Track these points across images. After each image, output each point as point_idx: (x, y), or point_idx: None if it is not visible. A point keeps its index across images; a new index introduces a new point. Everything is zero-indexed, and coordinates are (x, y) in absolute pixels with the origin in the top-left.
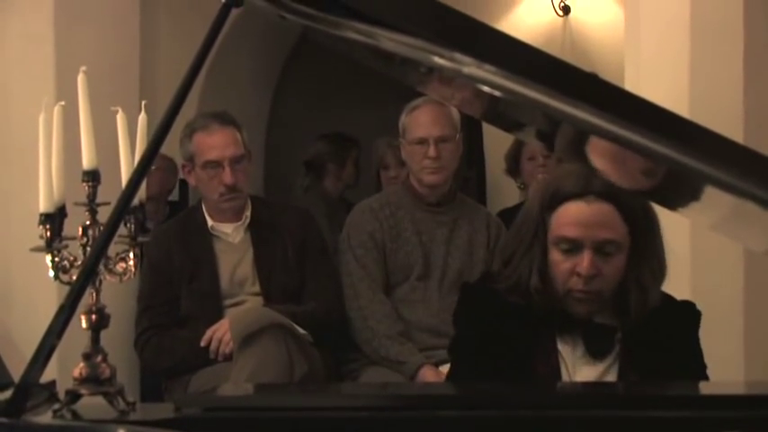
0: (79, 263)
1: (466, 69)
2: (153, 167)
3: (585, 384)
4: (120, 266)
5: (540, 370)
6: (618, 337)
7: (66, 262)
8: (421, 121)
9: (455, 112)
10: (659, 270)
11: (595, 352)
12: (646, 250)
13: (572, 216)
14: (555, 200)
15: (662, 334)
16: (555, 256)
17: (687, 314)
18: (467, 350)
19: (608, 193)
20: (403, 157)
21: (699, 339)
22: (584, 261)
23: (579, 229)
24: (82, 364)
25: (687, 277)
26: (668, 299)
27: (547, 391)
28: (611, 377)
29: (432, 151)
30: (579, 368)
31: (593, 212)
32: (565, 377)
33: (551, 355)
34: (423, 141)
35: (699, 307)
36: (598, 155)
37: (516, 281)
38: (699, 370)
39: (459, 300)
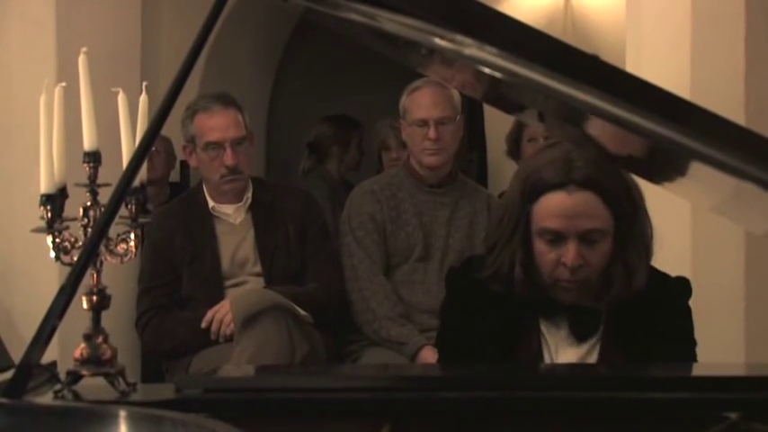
0: (80, 244)
1: (467, 51)
2: (155, 150)
3: (586, 366)
4: (121, 248)
5: (523, 353)
6: (602, 318)
7: (67, 243)
8: (421, 103)
9: (456, 94)
10: (645, 252)
11: (579, 334)
12: (631, 233)
13: (554, 207)
14: (536, 190)
15: (647, 310)
16: (539, 246)
17: (675, 289)
18: (451, 341)
19: (589, 180)
20: (403, 138)
21: (689, 315)
22: (570, 252)
23: (562, 221)
24: (83, 345)
25: (688, 262)
26: (660, 276)
27: (548, 372)
28: (593, 358)
29: (432, 133)
30: (563, 350)
31: (576, 202)
32: (547, 359)
33: (533, 338)
34: (423, 123)
35: (694, 286)
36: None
37: (497, 270)
38: (685, 346)
39: (445, 288)
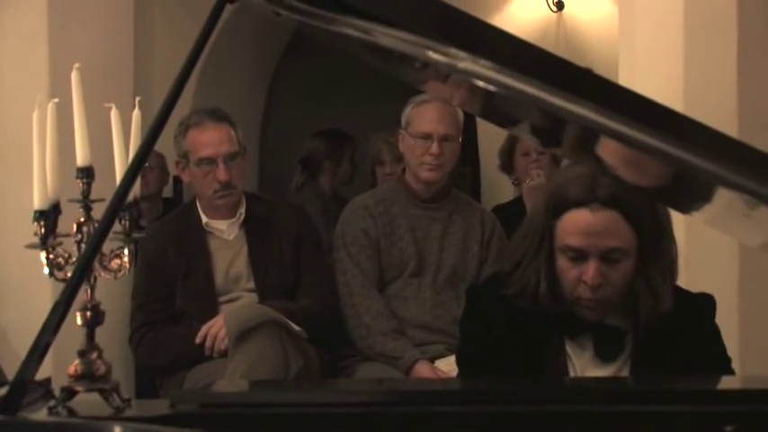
0: (74, 260)
1: (461, 64)
2: (148, 166)
3: (581, 380)
4: (115, 263)
5: (549, 372)
6: (629, 338)
7: (60, 259)
8: (428, 117)
9: (460, 115)
10: (670, 273)
11: (604, 354)
12: (655, 254)
13: (577, 225)
14: (560, 207)
15: (675, 330)
16: (562, 263)
17: (701, 307)
18: (474, 358)
19: (613, 199)
20: (401, 149)
21: (718, 331)
22: (590, 270)
23: (584, 239)
24: (77, 361)
25: (681, 273)
26: (682, 293)
27: (542, 386)
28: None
29: (435, 148)
30: (589, 371)
31: (598, 221)
32: None
33: (559, 358)
34: (427, 137)
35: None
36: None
37: (524, 286)
38: (720, 362)
39: (466, 304)
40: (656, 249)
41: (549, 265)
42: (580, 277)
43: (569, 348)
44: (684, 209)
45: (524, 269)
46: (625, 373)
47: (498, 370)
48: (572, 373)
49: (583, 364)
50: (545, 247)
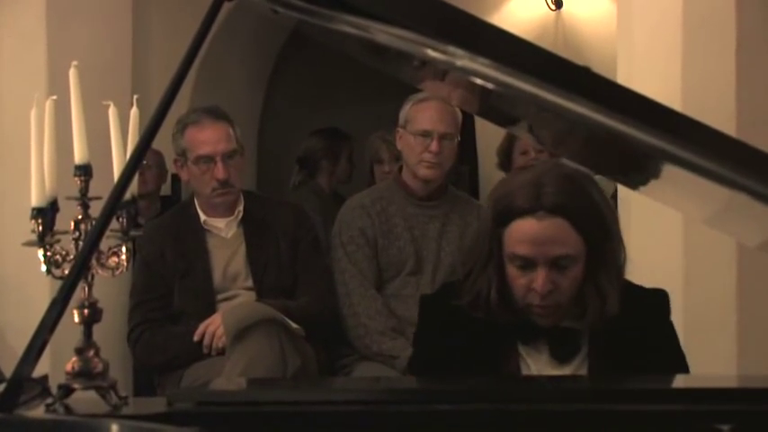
0: (71, 257)
1: (459, 62)
2: (146, 164)
3: (579, 379)
4: (113, 261)
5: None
6: (584, 338)
7: (58, 256)
8: (427, 115)
9: (458, 114)
10: (617, 276)
11: (561, 356)
12: (603, 258)
13: (523, 234)
14: (506, 216)
15: (629, 327)
16: (511, 271)
17: (655, 302)
18: (427, 367)
19: (559, 206)
20: (399, 146)
21: (672, 326)
22: (539, 279)
23: (531, 247)
24: (74, 359)
25: (680, 274)
26: (635, 289)
27: (541, 385)
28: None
29: (434, 146)
30: (545, 374)
31: (545, 229)
32: None
33: (512, 363)
34: (426, 134)
35: (686, 298)
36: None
37: (476, 295)
38: (675, 358)
39: (419, 314)
40: (603, 253)
41: (499, 273)
42: (529, 285)
43: (524, 352)
44: (681, 206)
45: (475, 278)
46: (582, 373)
47: (450, 373)
48: None
49: (540, 368)
50: (494, 256)
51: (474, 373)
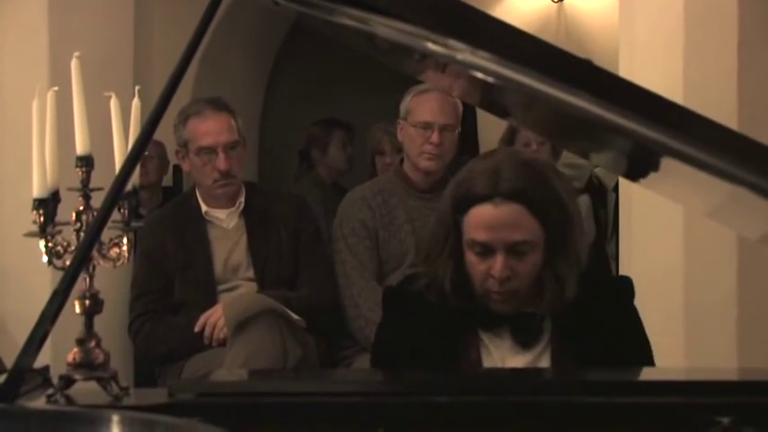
0: (73, 248)
1: (459, 56)
2: (148, 155)
3: (580, 371)
4: (114, 252)
5: (462, 363)
6: (547, 324)
7: (59, 247)
8: (428, 106)
9: (459, 105)
10: (576, 262)
11: (523, 342)
12: (562, 245)
13: (481, 220)
14: (465, 202)
15: (592, 313)
16: (470, 257)
17: (618, 290)
18: (388, 358)
19: (516, 192)
20: (399, 138)
21: (636, 312)
22: (497, 264)
23: (489, 233)
24: (75, 350)
25: (681, 267)
26: (599, 276)
27: (541, 377)
28: (544, 364)
29: (435, 137)
30: (508, 359)
31: (502, 215)
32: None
33: (472, 350)
34: (427, 126)
35: (686, 291)
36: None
37: (432, 281)
38: (638, 344)
39: (382, 305)
40: (563, 240)
41: (456, 260)
42: (488, 271)
43: (486, 339)
44: (683, 200)
45: (431, 264)
46: (545, 358)
47: (410, 365)
48: (487, 364)
49: (502, 354)
50: (451, 243)
51: (435, 361)
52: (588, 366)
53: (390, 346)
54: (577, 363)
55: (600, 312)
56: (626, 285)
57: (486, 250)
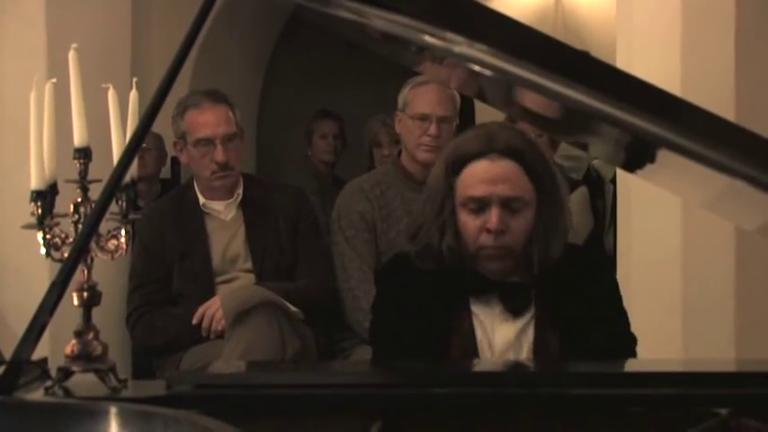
0: (71, 240)
1: (457, 48)
2: (146, 147)
3: (578, 363)
4: (112, 244)
5: (455, 335)
6: (533, 293)
7: (57, 239)
8: (426, 98)
9: (457, 97)
10: (563, 224)
11: (513, 309)
12: (551, 208)
13: (477, 175)
14: (459, 162)
15: (575, 284)
16: (463, 216)
17: (600, 262)
18: (382, 334)
19: (511, 149)
20: (397, 130)
21: (616, 286)
22: (492, 217)
23: (485, 187)
24: (74, 342)
25: (679, 258)
26: (581, 250)
27: (539, 369)
28: (530, 333)
29: (433, 129)
30: (497, 326)
31: (498, 169)
32: (480, 338)
33: (464, 319)
34: (425, 118)
35: (685, 282)
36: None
37: (427, 245)
38: (616, 316)
39: (375, 285)
40: (552, 203)
41: (451, 222)
42: (482, 226)
43: (476, 308)
44: (681, 191)
45: (426, 230)
46: (531, 327)
47: (407, 342)
48: (479, 332)
49: (491, 321)
50: (447, 206)
51: (429, 333)
52: (569, 336)
53: (385, 321)
54: (560, 332)
55: (582, 283)
56: (607, 258)
57: (480, 206)
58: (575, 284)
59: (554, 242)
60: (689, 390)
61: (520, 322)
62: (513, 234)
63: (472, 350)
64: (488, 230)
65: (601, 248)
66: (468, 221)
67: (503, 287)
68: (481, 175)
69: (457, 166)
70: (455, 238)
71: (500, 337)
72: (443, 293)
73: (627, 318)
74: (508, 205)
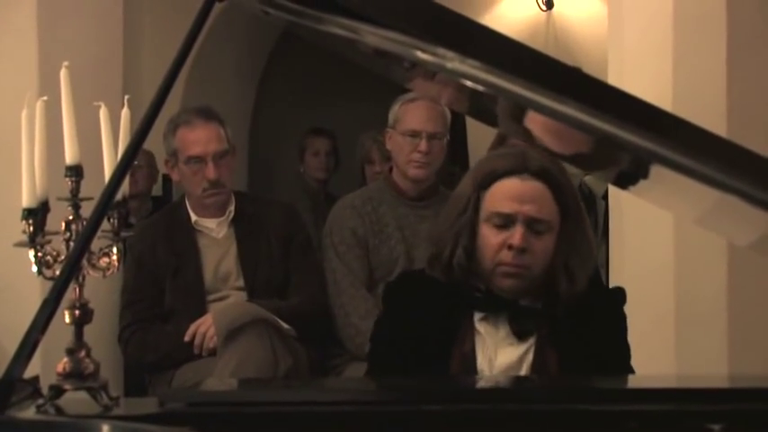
0: (62, 258)
1: (449, 64)
2: (137, 165)
3: (570, 378)
4: (104, 261)
5: (456, 353)
6: (540, 319)
7: (49, 257)
8: (416, 114)
9: (447, 113)
10: (588, 257)
11: (521, 332)
12: (575, 235)
13: (507, 191)
14: (490, 177)
15: (585, 316)
16: (486, 231)
17: (612, 298)
18: (381, 347)
19: (543, 171)
20: (388, 147)
21: (624, 323)
22: (517, 234)
23: (513, 204)
24: (65, 360)
25: (671, 272)
26: (597, 284)
27: (531, 385)
28: (530, 355)
29: (423, 146)
30: (501, 349)
31: (528, 189)
32: (481, 359)
33: (468, 337)
34: (415, 134)
35: (677, 296)
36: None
37: (439, 253)
38: (621, 354)
39: (382, 301)
40: (576, 231)
41: (468, 234)
42: (504, 243)
43: (481, 328)
44: (672, 207)
45: (441, 238)
46: (532, 351)
47: (405, 358)
48: (480, 354)
49: (495, 342)
50: (467, 217)
51: (430, 352)
52: (566, 367)
53: (387, 337)
54: (559, 356)
55: (593, 316)
56: (619, 296)
57: (505, 223)
58: (583, 314)
59: (579, 273)
60: (682, 405)
61: (523, 346)
62: (533, 255)
63: (471, 371)
64: (510, 247)
65: (619, 292)
66: (491, 236)
67: (513, 308)
68: (510, 193)
69: (487, 180)
70: (470, 250)
71: (502, 360)
72: (448, 310)
73: (629, 351)
74: (532, 226)
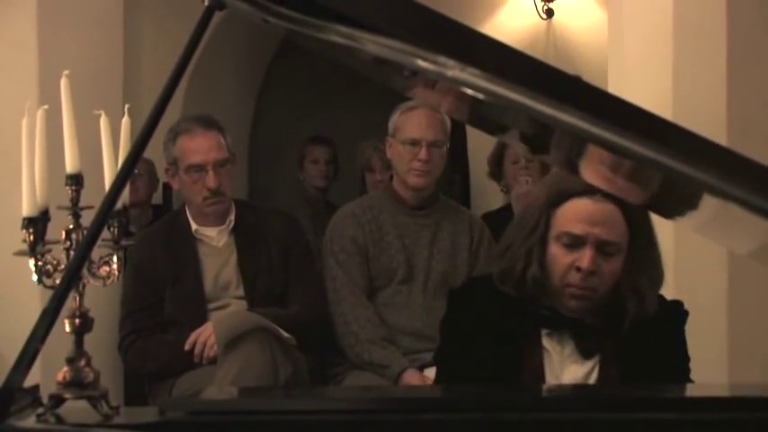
0: (62, 267)
1: (449, 72)
2: (137, 173)
3: (568, 386)
4: (104, 270)
5: (526, 369)
6: (605, 338)
7: (49, 266)
8: (416, 123)
9: (447, 121)
10: (657, 278)
11: (585, 351)
12: (643, 257)
13: (578, 212)
14: (562, 195)
15: (649, 333)
16: (555, 250)
17: (674, 314)
18: (452, 357)
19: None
20: (388, 155)
21: (685, 338)
22: (586, 257)
23: (584, 226)
24: (65, 369)
25: (671, 278)
26: (661, 300)
27: (530, 393)
28: (594, 372)
29: (423, 154)
30: (567, 366)
31: (599, 211)
32: (549, 376)
33: (536, 353)
34: (415, 143)
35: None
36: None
37: (511, 268)
38: (683, 369)
39: (447, 306)
40: (645, 252)
41: (539, 251)
42: (572, 264)
43: (548, 344)
44: (672, 216)
45: (513, 252)
46: (597, 368)
47: (475, 368)
48: (548, 370)
49: (561, 360)
50: (538, 233)
51: (498, 367)
52: (632, 377)
53: (455, 347)
54: (623, 372)
55: (656, 333)
56: (682, 310)
57: (575, 243)
58: (650, 331)
59: (648, 298)
60: (682, 415)
61: (589, 363)
62: (601, 277)
63: (540, 384)
64: (578, 269)
65: (681, 307)
66: (560, 256)
67: (578, 326)
68: (582, 214)
69: (559, 198)
70: (541, 267)
71: (568, 376)
72: (517, 322)
73: (689, 364)
74: (602, 248)
